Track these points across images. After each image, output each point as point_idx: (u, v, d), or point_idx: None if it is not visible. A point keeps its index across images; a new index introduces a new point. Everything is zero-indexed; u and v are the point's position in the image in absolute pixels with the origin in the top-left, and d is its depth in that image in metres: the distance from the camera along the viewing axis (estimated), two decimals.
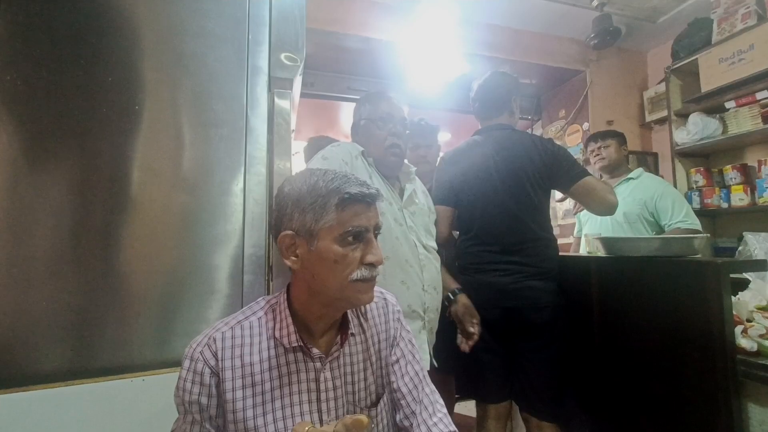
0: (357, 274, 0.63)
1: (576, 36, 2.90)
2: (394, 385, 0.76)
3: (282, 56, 1.05)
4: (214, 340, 0.64)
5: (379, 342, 0.75)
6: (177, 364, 0.84)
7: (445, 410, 0.76)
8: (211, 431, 0.63)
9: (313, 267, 0.64)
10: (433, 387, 0.79)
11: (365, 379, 0.72)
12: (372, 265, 0.65)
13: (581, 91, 3.05)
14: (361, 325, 0.75)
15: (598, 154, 2.16)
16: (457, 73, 2.69)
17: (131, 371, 0.85)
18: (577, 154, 2.99)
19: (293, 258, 0.65)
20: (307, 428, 0.52)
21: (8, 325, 0.80)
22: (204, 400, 0.62)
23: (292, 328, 0.66)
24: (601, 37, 2.55)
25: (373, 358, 0.74)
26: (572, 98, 3.13)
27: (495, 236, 1.34)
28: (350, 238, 0.63)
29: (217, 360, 0.63)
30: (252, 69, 1.02)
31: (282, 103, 1.03)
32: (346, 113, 3.70)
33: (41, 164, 0.85)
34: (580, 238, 2.28)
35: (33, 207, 0.83)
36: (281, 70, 1.04)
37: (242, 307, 0.73)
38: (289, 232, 0.65)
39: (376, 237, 0.67)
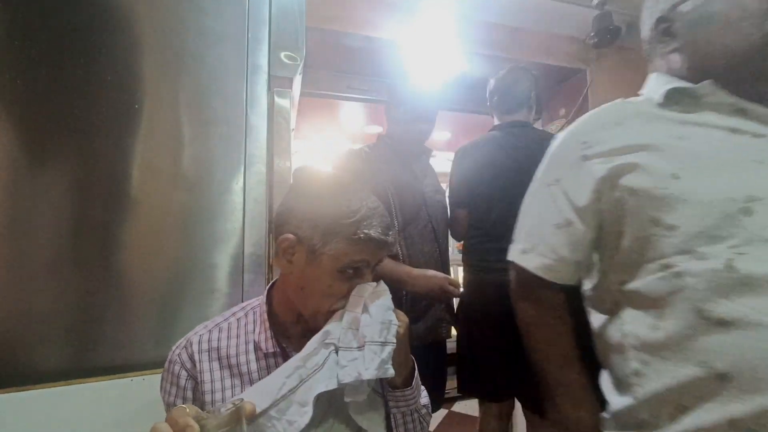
0: (339, 304, 0.62)
1: (576, 34, 2.89)
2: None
3: (282, 55, 1.04)
4: (191, 343, 0.64)
5: None
6: None
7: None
8: None
9: (302, 282, 0.62)
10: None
11: None
12: None
13: (581, 90, 3.04)
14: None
15: None
16: (457, 72, 2.68)
17: (131, 370, 0.85)
18: None
19: (287, 262, 0.63)
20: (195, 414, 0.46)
21: (8, 324, 0.80)
22: (179, 403, 0.62)
23: (269, 333, 0.65)
24: (602, 36, 2.55)
25: None
26: (572, 97, 3.12)
27: (505, 234, 1.34)
28: (350, 271, 0.61)
29: (193, 362, 0.62)
30: (252, 67, 1.02)
31: (282, 101, 1.03)
32: (346, 112, 3.69)
33: (40, 163, 0.85)
34: None
35: (32, 206, 0.83)
36: (281, 69, 1.04)
37: None
38: (292, 236, 0.61)
39: (372, 271, 0.65)
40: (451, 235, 1.45)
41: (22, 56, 0.85)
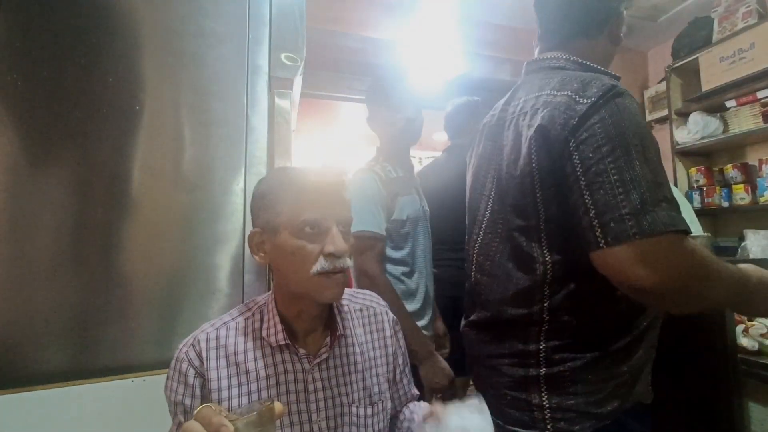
0: (317, 266, 0.60)
1: None
2: (408, 390, 0.81)
3: (282, 56, 1.05)
4: (199, 341, 0.64)
5: (375, 349, 0.75)
6: None
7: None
8: None
9: (277, 262, 0.65)
10: None
11: (362, 381, 0.71)
12: (333, 256, 0.61)
13: None
14: (354, 327, 0.74)
15: None
16: (457, 72, 2.68)
17: (132, 371, 0.85)
18: None
19: (261, 254, 0.66)
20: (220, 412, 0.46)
21: (9, 325, 0.80)
22: (188, 401, 0.61)
23: (279, 327, 0.65)
24: None
25: (371, 363, 0.73)
26: None
27: (446, 237, 1.66)
28: (307, 229, 0.61)
29: (201, 360, 0.62)
30: (252, 68, 1.02)
31: (282, 102, 1.03)
32: (346, 112, 3.69)
33: (42, 164, 0.85)
34: None
35: (33, 207, 0.83)
36: (281, 70, 1.04)
37: None
38: (257, 229, 0.66)
39: (346, 235, 0.65)
40: None
41: (23, 57, 0.85)
